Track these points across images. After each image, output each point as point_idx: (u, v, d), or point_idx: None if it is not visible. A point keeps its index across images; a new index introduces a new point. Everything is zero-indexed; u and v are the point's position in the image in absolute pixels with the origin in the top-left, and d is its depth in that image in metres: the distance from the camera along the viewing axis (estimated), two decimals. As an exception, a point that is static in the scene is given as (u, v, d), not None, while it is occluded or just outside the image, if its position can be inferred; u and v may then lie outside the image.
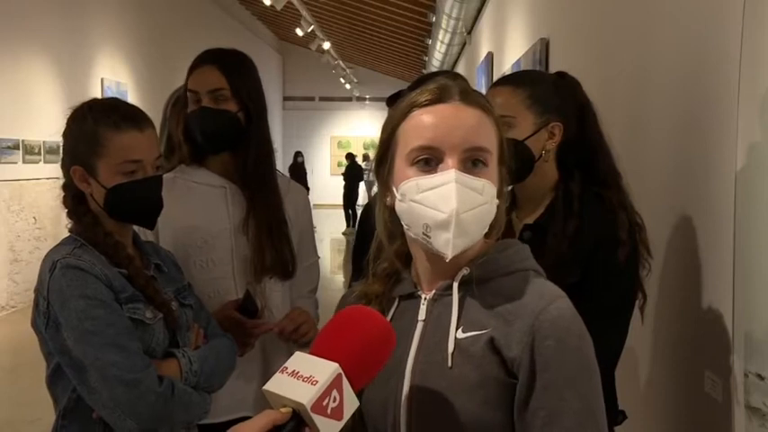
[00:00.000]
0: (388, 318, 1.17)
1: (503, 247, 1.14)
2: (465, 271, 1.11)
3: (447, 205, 1.05)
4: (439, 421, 1.06)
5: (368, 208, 2.43)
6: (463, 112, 1.09)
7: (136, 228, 1.75)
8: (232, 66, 1.98)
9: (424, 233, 1.08)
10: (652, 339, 2.02)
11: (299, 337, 2.02)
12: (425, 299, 1.14)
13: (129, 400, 1.51)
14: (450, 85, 1.12)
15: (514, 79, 1.78)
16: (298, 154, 16.67)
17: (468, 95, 1.11)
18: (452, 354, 1.07)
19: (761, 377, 1.33)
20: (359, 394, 1.06)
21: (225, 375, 1.74)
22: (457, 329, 1.09)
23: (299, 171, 16.23)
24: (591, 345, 1.05)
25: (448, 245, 1.06)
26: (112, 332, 1.52)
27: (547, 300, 1.05)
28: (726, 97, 1.50)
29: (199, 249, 1.98)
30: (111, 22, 10.36)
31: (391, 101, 2.09)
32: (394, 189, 1.12)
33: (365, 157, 19.44)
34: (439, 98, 1.10)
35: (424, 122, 1.09)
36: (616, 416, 1.69)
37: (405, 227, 1.13)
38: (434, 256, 1.11)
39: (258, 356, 2.04)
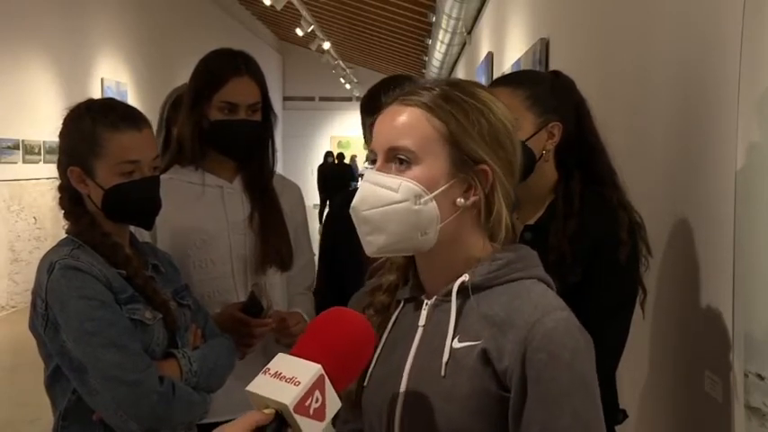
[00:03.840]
0: (392, 320, 1.17)
1: (507, 252, 1.11)
2: (465, 277, 1.09)
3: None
4: (431, 429, 1.06)
5: (338, 206, 2.40)
6: (395, 113, 1.09)
7: (132, 229, 1.75)
8: (262, 77, 2.03)
9: None
10: (652, 339, 2.02)
11: (291, 337, 2.03)
12: (427, 304, 1.13)
13: (131, 400, 1.51)
14: (405, 87, 1.12)
15: (513, 80, 1.78)
16: (328, 154, 16.65)
17: (411, 94, 1.10)
18: (446, 363, 1.06)
19: (761, 377, 1.32)
20: (357, 394, 1.07)
21: (224, 375, 1.74)
22: (453, 338, 1.07)
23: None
24: (586, 359, 1.02)
25: (365, 242, 1.10)
26: (113, 332, 1.52)
27: (542, 311, 1.02)
28: (726, 97, 1.50)
29: (197, 249, 1.99)
30: (111, 22, 10.36)
31: (368, 103, 2.09)
32: None
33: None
34: (390, 101, 1.12)
35: (375, 127, 1.12)
36: (617, 415, 1.69)
37: None
38: (421, 258, 1.13)
39: (260, 358, 2.04)
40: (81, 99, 1.70)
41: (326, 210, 15.66)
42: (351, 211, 1.10)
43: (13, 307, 7.67)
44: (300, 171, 18.71)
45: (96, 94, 8.96)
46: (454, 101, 1.08)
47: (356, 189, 1.13)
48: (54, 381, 1.61)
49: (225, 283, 2.02)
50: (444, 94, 1.09)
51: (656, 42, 2.06)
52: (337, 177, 15.78)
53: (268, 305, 1.96)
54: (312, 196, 15.95)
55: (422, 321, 1.13)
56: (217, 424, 1.89)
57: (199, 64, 2.04)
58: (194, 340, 1.73)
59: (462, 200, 1.09)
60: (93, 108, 1.64)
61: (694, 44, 1.75)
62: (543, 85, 1.70)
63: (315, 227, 14.79)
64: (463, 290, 1.09)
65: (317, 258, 2.29)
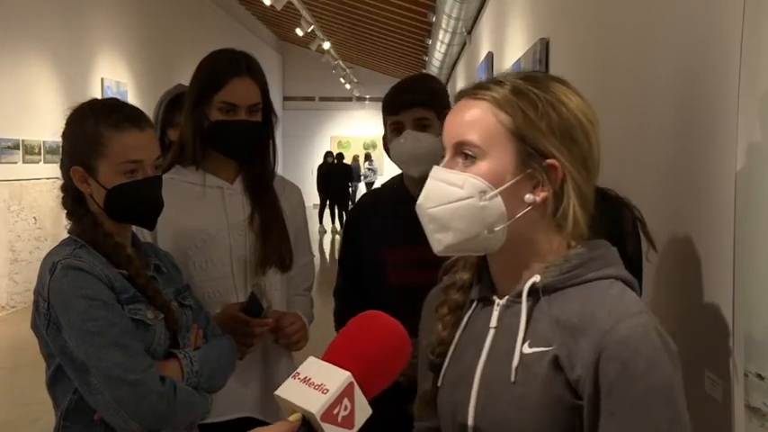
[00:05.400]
0: (465, 320, 1.15)
1: (581, 250, 1.06)
2: (536, 278, 1.05)
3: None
4: None
5: (360, 207, 2.41)
6: (464, 108, 1.08)
7: (134, 229, 1.75)
8: (263, 78, 2.03)
9: None
10: (652, 339, 2.02)
11: (287, 337, 2.03)
12: (498, 304, 1.10)
13: (132, 400, 1.51)
14: (478, 81, 1.11)
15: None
16: (328, 154, 16.66)
17: (481, 89, 1.07)
18: (516, 369, 1.03)
19: (761, 377, 1.32)
20: (431, 394, 1.07)
21: (225, 375, 1.75)
22: (524, 343, 1.04)
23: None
24: (665, 368, 0.97)
25: (432, 240, 1.08)
26: (114, 332, 1.53)
27: (616, 318, 0.98)
28: (726, 97, 1.50)
29: (198, 250, 1.99)
30: (111, 22, 10.36)
31: (389, 102, 2.10)
32: None
33: (367, 157, 19.39)
34: (459, 96, 1.11)
35: (445, 122, 1.11)
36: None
37: None
38: (491, 257, 1.11)
39: (259, 358, 2.05)
40: (81, 99, 1.71)
41: (326, 209, 15.69)
42: (416, 208, 1.08)
43: (13, 307, 7.67)
44: (300, 171, 18.70)
45: (96, 94, 8.96)
46: (524, 94, 1.05)
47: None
48: (56, 380, 1.61)
49: (225, 283, 2.02)
50: (515, 87, 1.06)
51: (655, 42, 2.06)
52: (337, 177, 15.80)
53: (268, 305, 1.96)
54: (312, 196, 15.97)
55: (493, 323, 1.10)
56: (218, 424, 1.91)
57: (200, 64, 2.04)
58: (195, 340, 1.73)
59: (531, 196, 1.05)
60: (95, 108, 1.64)
61: (694, 44, 1.75)
62: None
63: (315, 227, 14.86)
64: (534, 291, 1.05)
65: (318, 259, 2.31)
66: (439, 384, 1.15)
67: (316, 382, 0.93)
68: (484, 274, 1.15)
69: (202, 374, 1.66)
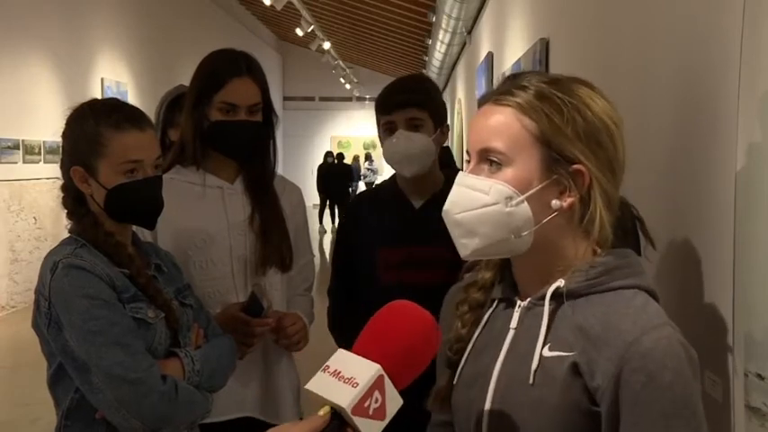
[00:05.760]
0: (485, 319, 1.15)
1: (607, 257, 1.06)
2: (560, 282, 1.05)
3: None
4: None
5: (354, 207, 2.41)
6: (488, 114, 1.07)
7: (134, 228, 1.75)
8: (263, 78, 2.03)
9: None
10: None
11: (288, 337, 2.03)
12: (519, 306, 1.10)
13: (134, 399, 1.51)
14: (500, 85, 1.10)
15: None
16: (328, 154, 16.67)
17: (505, 94, 1.06)
18: (535, 372, 1.03)
19: (761, 377, 1.32)
20: (447, 391, 1.08)
21: (226, 375, 1.75)
22: (544, 346, 1.04)
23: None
24: (690, 380, 0.97)
25: (458, 245, 1.07)
26: (116, 332, 1.53)
27: (641, 329, 0.97)
28: (726, 97, 1.50)
29: (198, 250, 2.00)
30: (111, 22, 10.37)
31: (382, 102, 2.10)
32: None
33: (367, 157, 19.40)
34: (482, 101, 1.10)
35: (469, 127, 1.10)
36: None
37: None
38: (516, 259, 1.10)
39: (259, 358, 2.05)
40: (81, 99, 1.71)
41: (326, 209, 15.69)
42: (443, 214, 1.08)
43: (13, 307, 7.67)
44: (300, 171, 18.69)
45: (96, 94, 8.97)
46: (548, 99, 1.04)
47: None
48: (57, 379, 1.62)
49: (225, 283, 2.02)
50: (539, 92, 1.05)
51: (655, 42, 2.06)
52: (337, 177, 15.80)
53: (268, 305, 1.96)
54: (312, 196, 15.97)
55: (513, 324, 1.10)
56: (217, 424, 1.91)
57: (200, 64, 2.04)
58: (196, 340, 1.73)
59: (557, 201, 1.05)
60: (96, 108, 1.64)
61: (694, 44, 1.75)
62: None
63: (315, 227, 14.86)
64: (558, 295, 1.05)
65: (318, 259, 2.32)
66: (455, 382, 1.15)
67: (345, 376, 0.92)
68: (506, 274, 1.15)
69: (203, 374, 1.66)
